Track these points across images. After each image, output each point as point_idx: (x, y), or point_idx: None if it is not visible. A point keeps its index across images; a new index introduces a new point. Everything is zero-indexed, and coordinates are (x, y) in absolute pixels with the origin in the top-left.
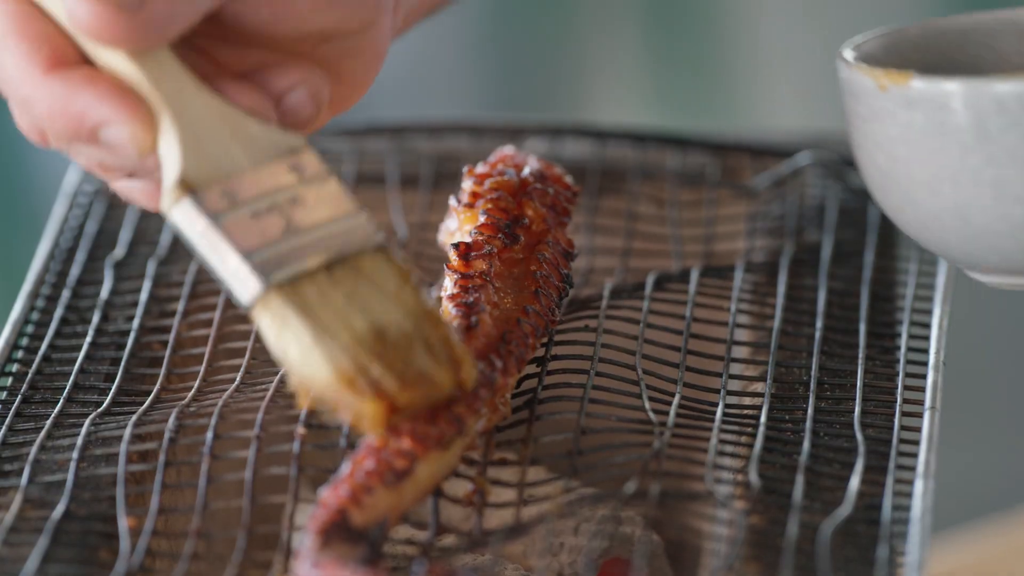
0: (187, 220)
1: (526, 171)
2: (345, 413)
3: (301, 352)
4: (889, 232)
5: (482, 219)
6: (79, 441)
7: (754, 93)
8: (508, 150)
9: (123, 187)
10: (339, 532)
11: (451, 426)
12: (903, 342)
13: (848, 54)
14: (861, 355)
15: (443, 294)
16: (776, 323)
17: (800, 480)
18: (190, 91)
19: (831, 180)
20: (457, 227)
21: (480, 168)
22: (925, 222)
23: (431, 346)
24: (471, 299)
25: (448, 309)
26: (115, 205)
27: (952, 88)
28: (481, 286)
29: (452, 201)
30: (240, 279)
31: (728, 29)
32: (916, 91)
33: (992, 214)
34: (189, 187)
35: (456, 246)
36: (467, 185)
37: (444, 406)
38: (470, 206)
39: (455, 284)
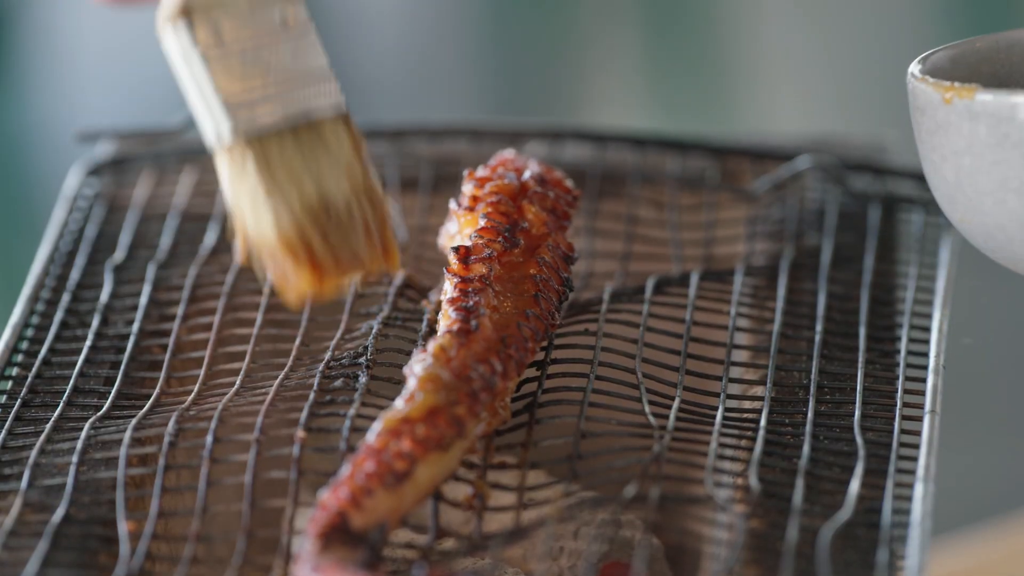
0: (178, 44)
1: (526, 175)
2: (274, 272)
3: (252, 205)
4: (889, 236)
5: (482, 223)
6: (79, 445)
7: (754, 97)
8: (508, 154)
9: None
10: (339, 536)
11: (450, 428)
12: (903, 346)
13: (915, 68)
14: (861, 359)
15: (443, 297)
16: (776, 327)
17: (800, 484)
18: None
19: (831, 184)
20: (457, 230)
21: (480, 172)
22: (991, 232)
23: (369, 227)
24: (471, 303)
25: (448, 313)
26: (115, 209)
27: (1017, 101)
28: (481, 290)
29: (452, 204)
30: (213, 118)
31: (728, 33)
32: (981, 104)
33: None
34: (187, 11)
35: (456, 250)
36: (467, 189)
37: (444, 407)
38: (470, 209)
39: (455, 288)
